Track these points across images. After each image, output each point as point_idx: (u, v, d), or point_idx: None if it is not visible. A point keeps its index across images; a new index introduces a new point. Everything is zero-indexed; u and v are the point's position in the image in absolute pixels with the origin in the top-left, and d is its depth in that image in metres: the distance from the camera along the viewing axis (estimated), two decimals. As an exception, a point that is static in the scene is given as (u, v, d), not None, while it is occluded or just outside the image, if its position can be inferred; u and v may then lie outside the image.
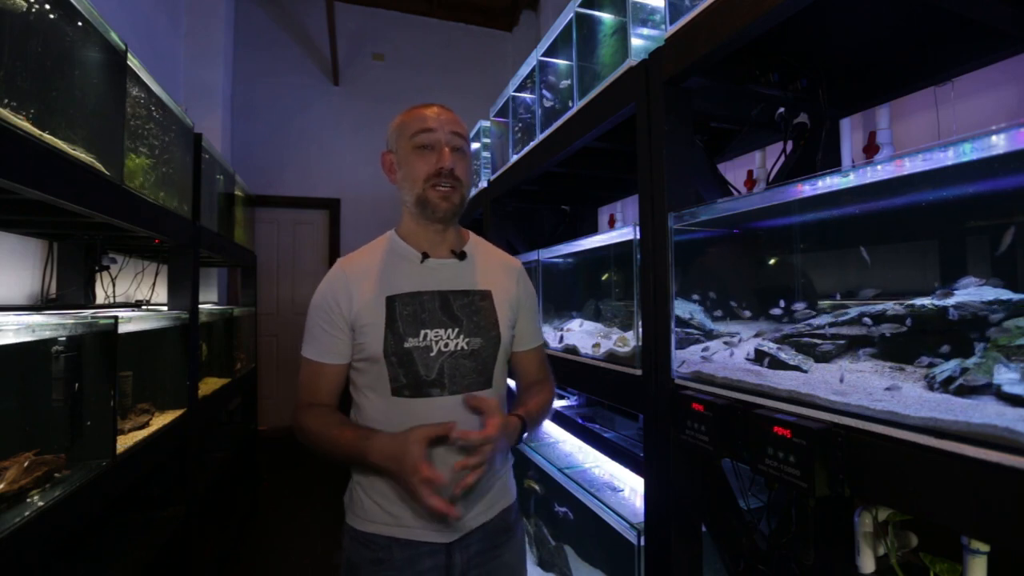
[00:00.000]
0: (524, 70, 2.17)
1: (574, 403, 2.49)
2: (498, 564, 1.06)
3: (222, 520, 2.66)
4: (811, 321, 0.94)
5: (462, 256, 1.09)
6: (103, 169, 1.25)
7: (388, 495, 1.00)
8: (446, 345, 1.01)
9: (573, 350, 1.65)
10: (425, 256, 1.06)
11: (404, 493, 0.98)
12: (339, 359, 1.04)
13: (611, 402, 1.67)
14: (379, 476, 1.00)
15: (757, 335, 1.05)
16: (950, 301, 0.74)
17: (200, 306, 2.23)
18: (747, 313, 1.15)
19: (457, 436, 0.90)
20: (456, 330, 1.02)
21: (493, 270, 1.13)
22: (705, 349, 1.09)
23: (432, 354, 1.00)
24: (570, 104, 1.67)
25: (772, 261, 1.23)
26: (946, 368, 0.69)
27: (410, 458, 0.88)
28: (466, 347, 1.02)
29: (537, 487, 2.11)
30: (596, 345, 1.53)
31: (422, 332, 1.00)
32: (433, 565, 1.00)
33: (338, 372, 1.05)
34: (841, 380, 0.78)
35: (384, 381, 1.00)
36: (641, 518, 1.27)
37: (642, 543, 1.25)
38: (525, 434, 1.04)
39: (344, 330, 1.02)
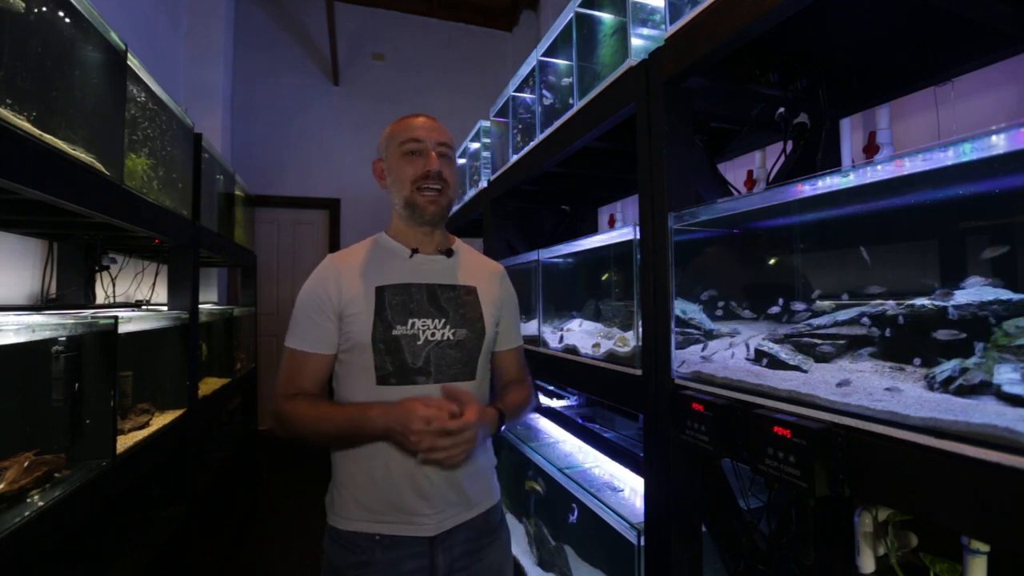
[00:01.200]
0: (524, 70, 2.17)
1: (574, 403, 2.49)
2: (483, 566, 1.07)
3: (222, 520, 2.66)
4: (811, 321, 0.94)
5: (449, 254, 1.14)
6: (103, 169, 1.25)
7: (367, 490, 1.01)
8: (433, 334, 1.04)
9: (573, 350, 1.65)
10: (414, 252, 1.11)
11: (386, 487, 1.00)
12: (324, 349, 1.05)
13: (611, 402, 1.67)
14: (362, 470, 1.01)
15: (757, 335, 1.05)
16: (950, 301, 0.74)
17: (200, 306, 2.23)
18: (747, 313, 1.15)
19: (437, 424, 0.92)
20: (443, 320, 1.06)
21: (478, 270, 1.18)
22: (705, 349, 1.09)
23: (419, 342, 1.03)
24: (570, 103, 1.67)
25: (772, 261, 1.23)
26: (946, 368, 0.69)
27: (413, 411, 0.92)
28: (452, 337, 1.06)
29: (539, 488, 2.11)
30: (596, 345, 1.53)
31: (410, 321, 1.04)
32: (417, 567, 1.00)
33: (322, 362, 1.06)
34: (839, 384, 0.78)
35: (369, 370, 1.02)
36: (641, 518, 1.27)
37: (642, 543, 1.25)
38: (503, 426, 1.06)
39: (332, 319, 1.05)
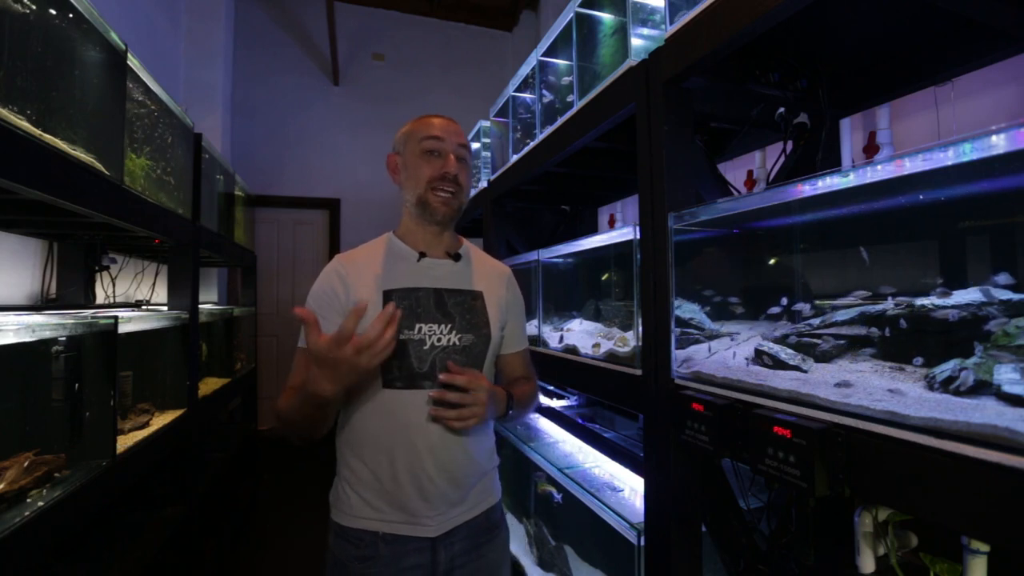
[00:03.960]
0: (524, 70, 2.17)
1: (574, 403, 2.49)
2: (483, 563, 1.09)
3: (222, 520, 2.66)
4: (811, 321, 0.94)
5: (457, 258, 1.14)
6: (103, 169, 1.25)
7: (374, 488, 1.02)
8: (439, 340, 1.05)
9: (573, 350, 1.65)
10: (422, 255, 1.11)
11: (390, 487, 1.00)
12: None
13: (611, 402, 1.67)
14: (367, 469, 1.02)
15: (757, 335, 1.05)
16: (949, 300, 0.74)
17: (200, 306, 2.23)
18: (747, 312, 1.15)
19: (443, 378, 0.98)
20: (449, 326, 1.06)
21: (485, 274, 1.18)
22: (705, 348, 1.09)
23: (425, 347, 1.03)
24: (569, 101, 1.67)
25: (772, 261, 1.23)
26: (946, 368, 0.69)
27: (334, 334, 0.85)
28: (458, 342, 1.06)
29: (553, 490, 2.08)
30: (596, 345, 1.53)
31: (417, 325, 1.04)
32: (418, 562, 1.01)
33: None
34: (838, 385, 0.78)
35: (375, 373, 1.02)
36: (641, 518, 1.27)
37: (642, 543, 1.25)
38: (511, 411, 1.08)
39: (340, 320, 1.02)
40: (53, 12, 1.11)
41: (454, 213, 1.10)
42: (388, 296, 1.05)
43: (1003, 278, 0.71)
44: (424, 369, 1.03)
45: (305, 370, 1.04)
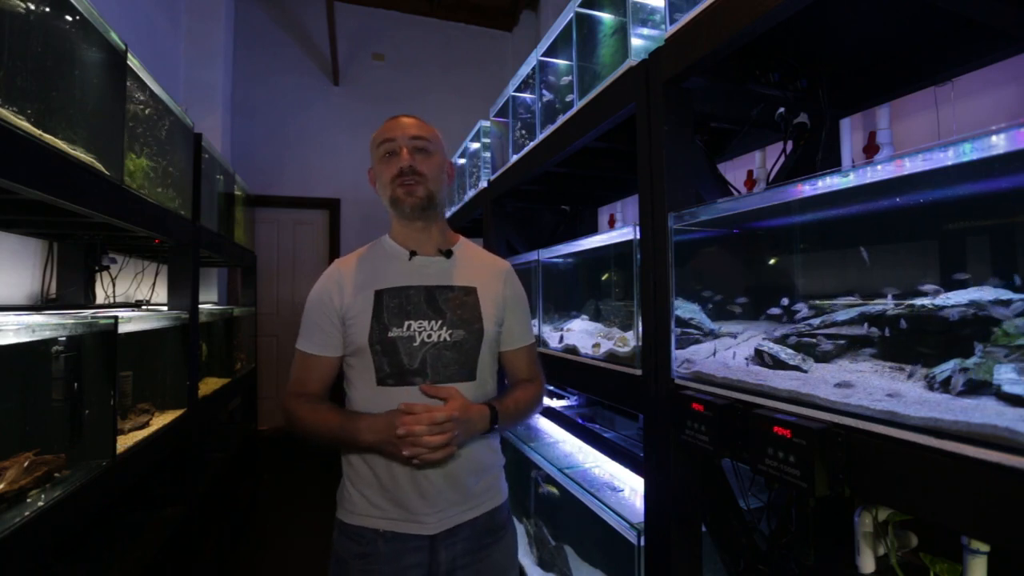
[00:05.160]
0: (524, 70, 2.17)
1: (574, 403, 2.49)
2: (487, 565, 1.08)
3: (222, 520, 2.66)
4: (811, 321, 0.94)
5: (448, 254, 1.16)
6: (103, 169, 1.25)
7: (374, 486, 1.04)
8: (429, 336, 1.06)
9: (573, 350, 1.65)
10: (413, 254, 1.13)
11: (388, 485, 1.03)
12: (329, 352, 1.09)
13: (611, 402, 1.67)
14: (367, 467, 1.04)
15: (757, 335, 1.05)
16: (949, 300, 0.74)
17: (200, 306, 2.23)
18: (745, 312, 1.15)
19: (420, 410, 0.98)
20: (439, 322, 1.07)
21: (480, 269, 1.18)
22: (704, 347, 1.09)
23: (415, 344, 1.05)
24: (569, 101, 1.67)
25: (772, 261, 1.23)
26: (946, 368, 0.69)
27: (395, 423, 0.96)
28: (448, 338, 1.07)
29: (555, 490, 2.07)
30: (596, 345, 1.53)
31: (406, 323, 1.06)
32: (417, 561, 1.02)
33: (327, 365, 1.10)
34: (838, 385, 0.78)
35: (370, 371, 1.05)
36: (641, 518, 1.27)
37: (642, 543, 1.25)
38: (496, 426, 1.07)
39: (335, 324, 1.08)
40: (53, 12, 1.11)
41: (422, 202, 1.09)
42: (379, 296, 1.07)
43: (1003, 278, 0.71)
44: (414, 366, 1.04)
45: (304, 372, 1.10)
